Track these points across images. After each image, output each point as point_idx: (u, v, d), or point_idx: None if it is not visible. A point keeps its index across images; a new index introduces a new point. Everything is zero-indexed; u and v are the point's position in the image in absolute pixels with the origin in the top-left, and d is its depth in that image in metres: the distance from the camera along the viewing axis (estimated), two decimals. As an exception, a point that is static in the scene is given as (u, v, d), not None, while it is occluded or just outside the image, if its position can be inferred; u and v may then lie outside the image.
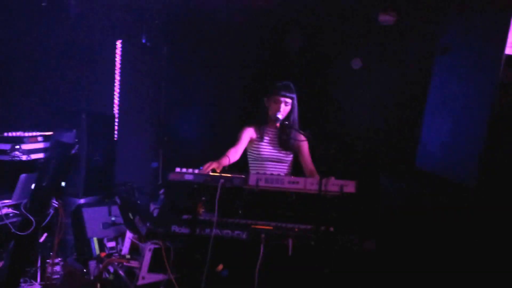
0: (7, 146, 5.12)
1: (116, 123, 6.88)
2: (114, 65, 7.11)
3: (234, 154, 4.80)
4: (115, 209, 5.90)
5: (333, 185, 4.20)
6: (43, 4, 5.49)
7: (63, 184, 5.67)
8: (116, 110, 7.13)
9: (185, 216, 4.42)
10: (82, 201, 6.02)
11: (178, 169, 4.41)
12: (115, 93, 7.12)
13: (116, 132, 6.87)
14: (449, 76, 5.27)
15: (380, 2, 5.83)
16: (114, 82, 7.13)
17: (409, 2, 5.66)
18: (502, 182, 4.61)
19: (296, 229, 4.24)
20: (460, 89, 5.16)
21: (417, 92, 5.52)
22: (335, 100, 6.44)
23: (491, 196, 4.70)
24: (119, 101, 7.13)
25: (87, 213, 5.82)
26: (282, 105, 4.94)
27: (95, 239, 5.73)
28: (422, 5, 5.49)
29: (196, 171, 4.39)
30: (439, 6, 5.26)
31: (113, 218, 5.80)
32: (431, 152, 5.30)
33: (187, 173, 4.39)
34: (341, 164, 5.08)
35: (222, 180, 4.28)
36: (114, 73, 7.13)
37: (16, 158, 5.11)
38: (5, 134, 5.30)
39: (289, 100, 4.96)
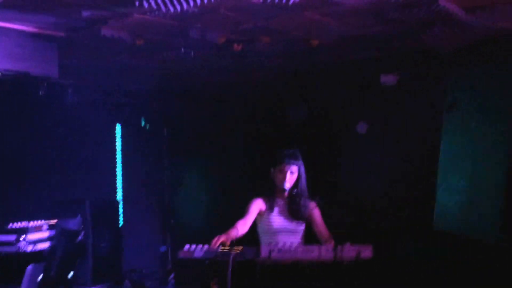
0: (12, 237, 5.10)
1: (121, 209, 6.79)
2: (115, 151, 7.07)
3: (242, 226, 4.60)
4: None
5: (349, 251, 4.00)
6: (40, 93, 5.51)
7: (71, 274, 5.57)
8: (120, 195, 7.03)
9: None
10: (92, 290, 5.90)
11: (187, 246, 4.27)
12: (117, 178, 7.04)
13: (121, 218, 6.77)
14: (460, 132, 5.24)
15: (382, 64, 5.80)
16: (115, 167, 7.06)
17: (411, 60, 5.63)
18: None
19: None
20: (473, 144, 5.14)
21: (428, 152, 5.44)
22: (345, 166, 6.29)
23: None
24: (123, 186, 7.05)
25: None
26: (288, 174, 4.79)
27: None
28: (425, 63, 5.49)
29: (206, 247, 4.25)
30: (442, 63, 5.26)
31: (123, 307, 5.70)
32: (449, 211, 5.19)
33: (196, 250, 4.25)
34: (357, 230, 4.94)
35: (233, 254, 4.13)
36: (115, 159, 7.08)
37: (21, 250, 5.06)
38: (10, 225, 5.28)
39: (294, 168, 4.81)
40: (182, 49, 5.07)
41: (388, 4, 4.18)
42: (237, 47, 5.06)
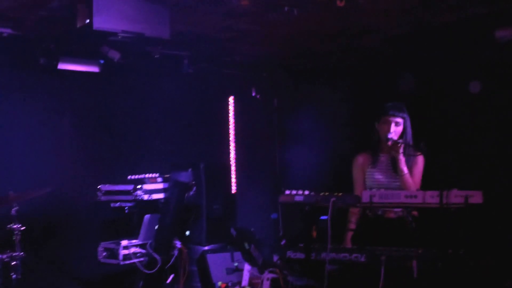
0: (130, 187, 5.63)
1: (233, 176, 7.01)
2: (227, 120, 7.33)
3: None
4: (237, 255, 5.91)
5: (456, 196, 3.83)
6: (155, 56, 5.87)
7: (187, 233, 5.98)
8: (232, 162, 7.28)
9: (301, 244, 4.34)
10: (206, 247, 6.12)
11: (288, 191, 4.38)
12: (230, 146, 7.30)
13: (234, 184, 6.98)
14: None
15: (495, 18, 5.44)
16: (228, 136, 7.32)
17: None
18: None
19: (420, 250, 3.93)
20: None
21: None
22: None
23: None
24: (235, 153, 7.29)
25: (211, 258, 5.96)
26: (392, 126, 4.73)
27: (219, 283, 5.77)
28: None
29: (307, 192, 4.33)
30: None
31: (235, 264, 5.87)
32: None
33: (297, 194, 4.35)
34: (464, 175, 4.72)
35: (333, 199, 4.17)
36: (228, 127, 7.35)
37: (138, 198, 5.56)
38: (129, 177, 5.87)
39: (399, 120, 4.75)
40: (286, 8, 5.14)
41: None
42: (339, 2, 5.06)
